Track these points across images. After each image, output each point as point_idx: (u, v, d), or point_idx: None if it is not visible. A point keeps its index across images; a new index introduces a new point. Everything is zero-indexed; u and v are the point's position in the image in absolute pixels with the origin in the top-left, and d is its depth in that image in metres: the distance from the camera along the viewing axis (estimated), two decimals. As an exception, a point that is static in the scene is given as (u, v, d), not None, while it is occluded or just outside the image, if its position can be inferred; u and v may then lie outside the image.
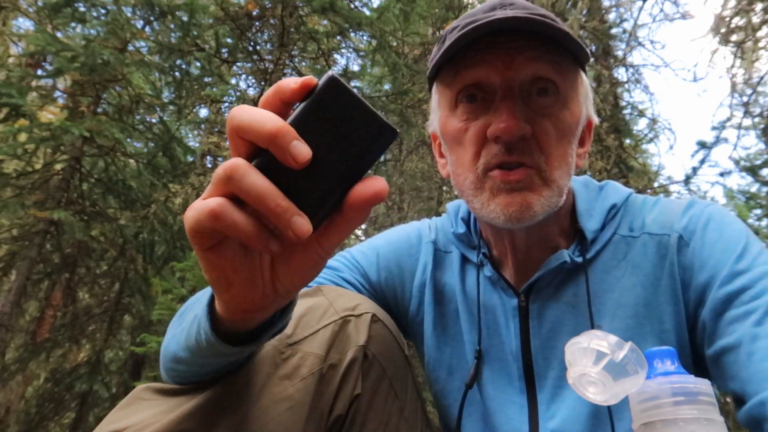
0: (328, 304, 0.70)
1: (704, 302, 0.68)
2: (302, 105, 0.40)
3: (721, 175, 5.37)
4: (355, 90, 0.39)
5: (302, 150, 0.38)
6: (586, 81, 0.78)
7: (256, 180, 0.39)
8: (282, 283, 0.46)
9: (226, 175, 0.39)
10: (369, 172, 0.42)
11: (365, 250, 0.91)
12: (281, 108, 0.41)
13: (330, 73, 0.40)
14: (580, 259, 0.76)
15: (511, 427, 0.76)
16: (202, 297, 0.57)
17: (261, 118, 0.39)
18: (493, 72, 0.70)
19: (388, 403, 0.71)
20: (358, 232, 6.69)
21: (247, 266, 0.45)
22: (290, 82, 0.40)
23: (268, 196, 0.39)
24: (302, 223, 0.39)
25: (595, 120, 0.81)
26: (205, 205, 0.40)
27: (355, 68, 5.74)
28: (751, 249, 0.68)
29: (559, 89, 0.71)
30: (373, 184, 0.41)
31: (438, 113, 0.78)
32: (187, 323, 0.58)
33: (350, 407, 0.67)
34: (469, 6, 5.96)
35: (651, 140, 5.57)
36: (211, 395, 0.59)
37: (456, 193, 0.78)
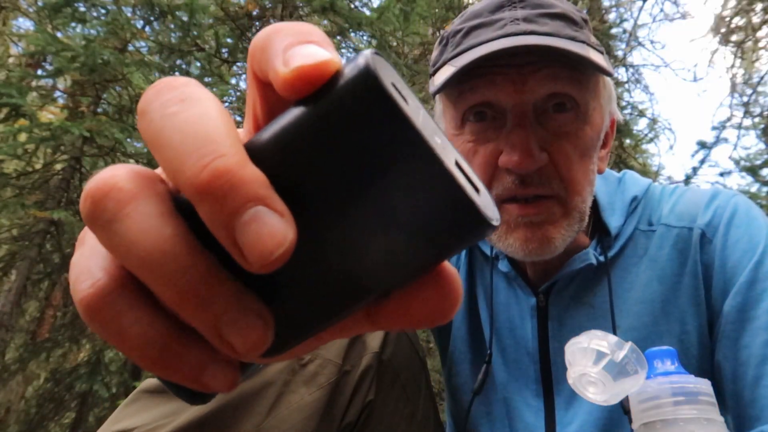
0: None
1: (720, 305, 0.66)
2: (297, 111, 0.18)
3: (721, 175, 5.36)
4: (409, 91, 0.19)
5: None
6: (608, 82, 0.71)
7: None
8: None
9: None
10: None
11: None
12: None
13: (368, 54, 0.18)
14: (602, 258, 0.72)
15: (527, 431, 0.73)
16: None
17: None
18: (503, 94, 0.62)
19: (399, 409, 0.70)
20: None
21: None
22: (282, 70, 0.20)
23: None
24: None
25: (619, 117, 0.75)
26: None
27: (355, 68, 5.73)
28: None
29: (579, 102, 0.64)
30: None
31: (443, 125, 0.71)
32: None
33: (361, 414, 0.66)
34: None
35: (651, 140, 5.56)
36: (224, 398, 0.58)
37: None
